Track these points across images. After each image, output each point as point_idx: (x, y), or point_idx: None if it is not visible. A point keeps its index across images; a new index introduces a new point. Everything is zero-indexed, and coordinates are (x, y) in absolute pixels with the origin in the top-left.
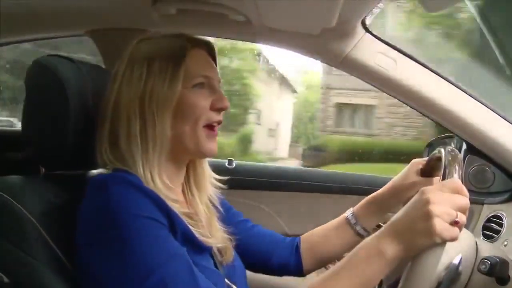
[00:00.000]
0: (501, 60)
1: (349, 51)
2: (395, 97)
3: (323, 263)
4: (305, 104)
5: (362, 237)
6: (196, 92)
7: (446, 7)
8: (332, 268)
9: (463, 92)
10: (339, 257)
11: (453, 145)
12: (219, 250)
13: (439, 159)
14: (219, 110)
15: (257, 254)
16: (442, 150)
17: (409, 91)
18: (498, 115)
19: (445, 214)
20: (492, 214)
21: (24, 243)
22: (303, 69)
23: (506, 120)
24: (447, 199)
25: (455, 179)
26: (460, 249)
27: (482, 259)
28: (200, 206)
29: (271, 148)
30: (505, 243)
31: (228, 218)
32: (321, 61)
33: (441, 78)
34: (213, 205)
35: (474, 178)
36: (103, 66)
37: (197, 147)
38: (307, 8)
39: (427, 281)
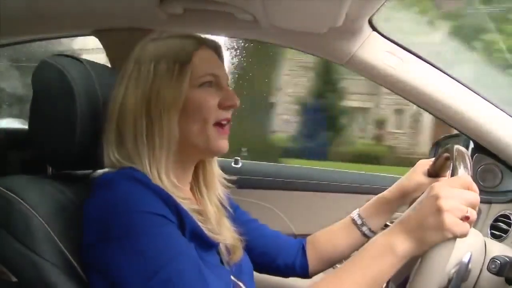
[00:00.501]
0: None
1: (356, 50)
2: (402, 96)
3: (329, 264)
4: None
5: (368, 238)
6: (204, 91)
7: (456, 4)
8: (342, 264)
9: (470, 91)
10: (345, 258)
11: (460, 144)
12: (227, 248)
13: (447, 158)
14: (227, 108)
15: (262, 254)
16: (450, 147)
17: (416, 90)
18: (506, 113)
19: (456, 209)
20: (500, 214)
21: (32, 242)
22: None
23: None
24: (457, 194)
25: (465, 174)
26: (469, 247)
27: (492, 258)
28: (209, 205)
29: None
30: None
31: (235, 217)
32: (328, 60)
33: (448, 77)
34: (222, 204)
35: (481, 177)
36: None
37: (207, 145)
38: (314, 7)
39: (437, 277)
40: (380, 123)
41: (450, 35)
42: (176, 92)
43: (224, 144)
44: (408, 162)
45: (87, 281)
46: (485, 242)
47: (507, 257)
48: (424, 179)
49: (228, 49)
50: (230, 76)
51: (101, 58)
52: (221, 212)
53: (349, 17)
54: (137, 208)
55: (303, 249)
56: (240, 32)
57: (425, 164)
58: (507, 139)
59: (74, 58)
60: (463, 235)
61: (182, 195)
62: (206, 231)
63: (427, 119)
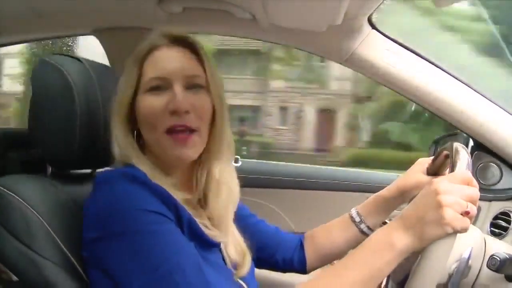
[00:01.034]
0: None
1: (355, 48)
2: (401, 94)
3: (327, 260)
4: None
5: (366, 235)
6: (151, 96)
7: (455, 2)
8: (341, 260)
9: (470, 89)
10: (343, 255)
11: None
12: (233, 264)
13: (446, 156)
14: (172, 113)
15: (261, 250)
16: (450, 145)
17: (415, 88)
18: (506, 111)
19: (456, 204)
20: (500, 211)
21: (32, 241)
22: None
23: None
24: (457, 189)
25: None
26: (469, 242)
27: (492, 255)
28: (216, 210)
29: None
30: None
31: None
32: (327, 58)
33: (448, 75)
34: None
35: (481, 175)
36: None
37: (164, 154)
38: (313, 6)
39: (438, 272)
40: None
41: None
42: (123, 96)
43: (180, 152)
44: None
45: (87, 279)
46: (484, 239)
47: (507, 254)
48: (423, 177)
49: None
50: None
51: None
52: (229, 219)
53: (348, 15)
54: (136, 206)
55: (301, 245)
56: (239, 31)
57: (424, 162)
58: (507, 137)
59: (73, 58)
60: (463, 230)
61: (181, 195)
62: (206, 231)
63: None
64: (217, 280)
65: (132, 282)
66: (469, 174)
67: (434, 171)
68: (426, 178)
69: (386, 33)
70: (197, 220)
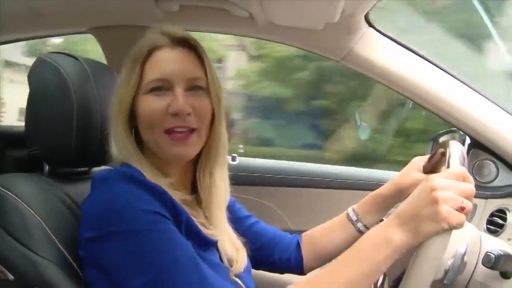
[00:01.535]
0: None
1: (352, 46)
2: (398, 92)
3: (324, 260)
4: None
5: (363, 234)
6: (151, 97)
7: None
8: (338, 257)
9: (466, 86)
10: (340, 254)
11: (457, 140)
12: (229, 259)
13: (443, 154)
14: (173, 115)
15: (258, 250)
16: (446, 142)
17: (412, 86)
18: (502, 108)
19: (451, 200)
20: (496, 209)
21: (28, 240)
22: None
23: (510, 114)
24: (452, 185)
25: (460, 167)
26: (465, 238)
27: (486, 252)
28: (212, 209)
29: None
30: (510, 237)
31: (231, 213)
32: (325, 57)
33: (444, 73)
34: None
35: (477, 173)
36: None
37: (161, 153)
38: (310, 3)
39: (434, 268)
40: None
41: None
42: (125, 96)
43: (179, 150)
44: None
45: (85, 276)
46: (480, 236)
47: (502, 251)
48: (419, 175)
49: None
50: None
51: None
52: (224, 220)
53: (345, 13)
54: (133, 205)
55: (298, 245)
56: (236, 29)
57: (420, 160)
58: (504, 134)
59: (70, 56)
60: (459, 226)
61: (179, 194)
62: (203, 229)
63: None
64: (215, 278)
65: (130, 282)
66: (464, 170)
67: (431, 169)
68: (422, 176)
69: (383, 31)
70: (195, 219)
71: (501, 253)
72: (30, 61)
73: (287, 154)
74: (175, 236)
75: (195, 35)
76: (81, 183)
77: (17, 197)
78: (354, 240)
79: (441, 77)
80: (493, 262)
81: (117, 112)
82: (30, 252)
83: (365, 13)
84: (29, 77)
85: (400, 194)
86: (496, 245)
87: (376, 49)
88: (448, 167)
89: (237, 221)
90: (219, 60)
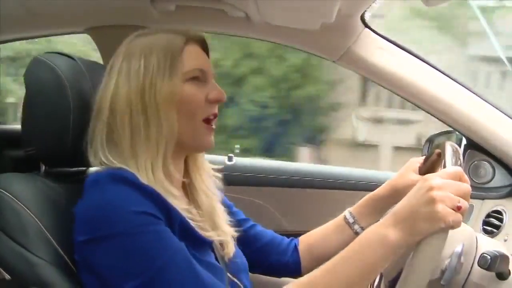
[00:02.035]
0: None
1: (348, 46)
2: (394, 92)
3: (321, 263)
4: None
5: None
6: (192, 86)
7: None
8: (335, 256)
9: (463, 87)
10: None
11: (453, 140)
12: (220, 244)
13: (439, 155)
14: (215, 102)
15: (256, 253)
16: (442, 143)
17: (408, 86)
18: (498, 109)
19: (448, 199)
20: (492, 210)
21: (25, 239)
22: None
23: (506, 115)
24: (449, 185)
25: (456, 167)
26: (462, 238)
27: (482, 253)
28: (203, 199)
29: None
30: (506, 238)
31: (229, 217)
32: (320, 57)
33: (441, 73)
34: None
35: (474, 173)
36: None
37: (195, 141)
38: (306, 4)
39: (430, 268)
40: None
41: None
42: (170, 85)
43: (211, 139)
44: None
45: (80, 277)
46: (476, 237)
47: (498, 252)
48: (415, 176)
49: None
50: None
51: None
52: (214, 205)
53: (341, 13)
54: (125, 207)
55: (296, 248)
56: (232, 29)
57: (416, 162)
58: (500, 135)
59: (67, 56)
60: (456, 225)
61: (173, 193)
62: (198, 229)
63: None
64: (210, 279)
65: (124, 284)
66: (460, 170)
67: (427, 170)
68: (419, 177)
69: (379, 32)
70: (191, 221)
71: (497, 254)
72: None
73: None
74: (168, 236)
75: None
76: (77, 183)
77: (14, 197)
78: (351, 242)
79: (437, 78)
80: (489, 263)
81: (168, 102)
82: (27, 251)
83: (361, 14)
84: (25, 77)
85: (397, 195)
86: (492, 246)
87: (372, 50)
88: (444, 167)
89: (234, 225)
90: None
